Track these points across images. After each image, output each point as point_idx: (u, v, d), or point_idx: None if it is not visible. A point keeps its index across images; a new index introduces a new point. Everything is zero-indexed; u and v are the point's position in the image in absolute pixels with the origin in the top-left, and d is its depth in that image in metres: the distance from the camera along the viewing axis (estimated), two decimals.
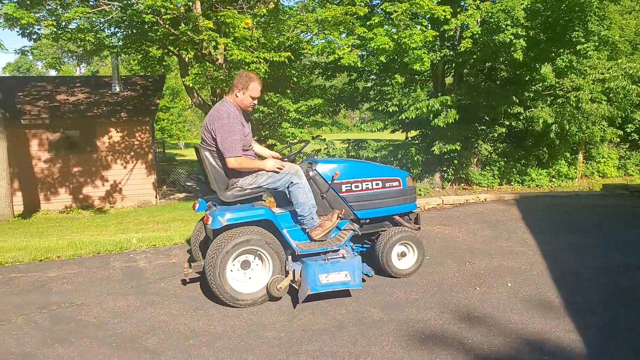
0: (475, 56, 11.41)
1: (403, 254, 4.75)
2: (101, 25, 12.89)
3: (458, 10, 10.70)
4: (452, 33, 11.40)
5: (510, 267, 5.11)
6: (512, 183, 12.62)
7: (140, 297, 4.37)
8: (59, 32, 11.77)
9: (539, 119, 11.28)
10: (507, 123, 12.79)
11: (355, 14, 10.38)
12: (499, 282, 4.65)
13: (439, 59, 11.23)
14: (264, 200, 4.71)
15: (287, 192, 4.26)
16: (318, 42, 11.73)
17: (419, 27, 10.43)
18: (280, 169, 4.19)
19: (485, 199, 9.07)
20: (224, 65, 11.64)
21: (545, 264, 5.17)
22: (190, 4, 11.17)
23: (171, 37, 12.59)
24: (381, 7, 11.08)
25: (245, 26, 10.36)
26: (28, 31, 11.88)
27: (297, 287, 4.05)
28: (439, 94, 11.73)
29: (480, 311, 3.97)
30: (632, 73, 11.14)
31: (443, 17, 9.88)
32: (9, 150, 12.47)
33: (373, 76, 13.74)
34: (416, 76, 13.16)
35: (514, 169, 12.68)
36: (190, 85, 11.67)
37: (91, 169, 15.13)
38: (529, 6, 9.80)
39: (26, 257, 5.66)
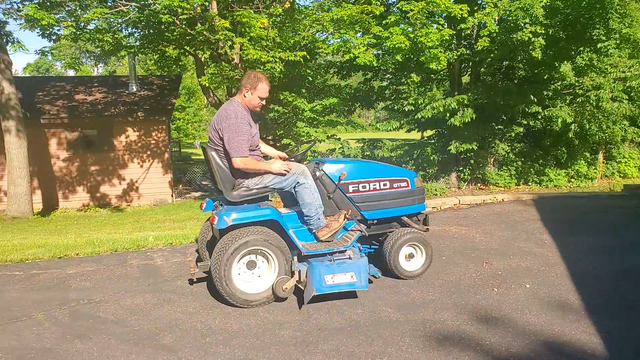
0: (492, 55, 11.28)
1: (411, 256, 4.69)
2: (119, 25, 13.04)
3: (475, 8, 10.59)
4: (469, 32, 11.29)
5: (529, 268, 5.04)
6: (530, 183, 12.45)
7: (157, 294, 4.41)
8: (78, 32, 11.95)
9: (558, 118, 11.10)
10: (525, 122, 12.61)
11: (371, 13, 10.35)
12: (517, 283, 4.58)
13: (456, 57, 11.13)
14: (270, 201, 4.69)
15: (293, 192, 4.24)
16: (333, 42, 11.72)
17: (435, 25, 10.36)
18: (288, 171, 4.17)
19: (502, 199, 8.96)
20: (239, 64, 11.69)
21: (564, 266, 5.09)
22: (207, 4, 11.24)
23: (187, 37, 12.69)
24: (397, 5, 11.02)
25: (261, 26, 10.40)
26: (48, 32, 12.06)
27: (302, 288, 4.03)
28: (456, 93, 11.63)
29: (498, 312, 3.92)
30: None
31: (460, 15, 9.80)
32: (29, 149, 12.70)
33: (388, 75, 13.68)
34: (432, 75, 13.06)
35: (531, 169, 12.51)
36: (207, 84, 11.75)
37: (108, 167, 15.32)
38: (548, 4, 9.65)
39: (46, 254, 5.76)
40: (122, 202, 15.40)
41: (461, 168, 12.30)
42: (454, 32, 10.88)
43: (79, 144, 15.10)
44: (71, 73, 45.34)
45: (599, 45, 10.02)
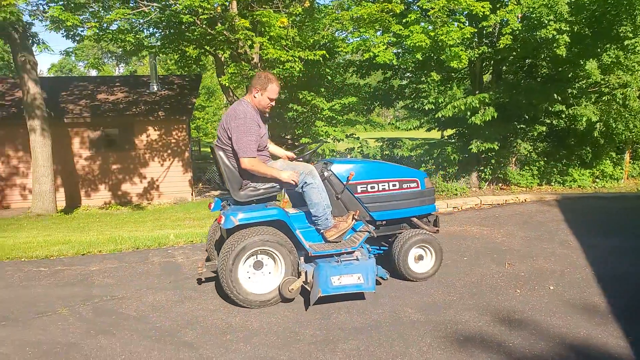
0: (514, 53, 11.08)
1: (420, 257, 4.62)
2: (140, 26, 13.22)
3: (497, 5, 10.42)
4: (490, 29, 11.11)
5: (553, 269, 4.94)
6: (553, 183, 12.21)
7: (178, 291, 4.45)
8: (101, 33, 12.14)
9: (583, 117, 10.86)
10: (548, 121, 12.37)
11: (391, 11, 10.27)
12: (540, 284, 4.50)
13: (477, 56, 10.98)
14: (278, 201, 4.66)
15: (301, 192, 4.21)
16: (353, 40, 11.68)
17: (456, 24, 10.23)
18: (296, 182, 4.12)
19: (525, 200, 8.82)
20: (259, 64, 11.74)
21: (589, 268, 4.98)
22: (227, 3, 11.31)
23: (208, 37, 12.79)
24: (418, 4, 10.91)
25: (281, 25, 10.41)
26: (72, 33, 12.29)
27: (309, 289, 4.00)
28: (477, 92, 11.48)
29: (522, 314, 3.85)
30: None
31: (482, 13, 9.66)
32: (52, 148, 12.95)
33: (408, 74, 13.57)
34: (452, 74, 12.90)
35: (554, 169, 12.27)
36: (226, 84, 11.83)
37: (129, 166, 15.54)
38: (573, 0, 9.45)
39: (70, 251, 5.87)
40: (142, 200, 15.60)
41: (482, 168, 12.14)
42: (476, 30, 10.72)
43: (101, 142, 15.35)
44: (93, 73, 46.19)
45: (625, 42, 9.76)
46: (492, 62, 12.23)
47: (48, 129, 12.79)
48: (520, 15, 10.19)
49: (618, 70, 10.63)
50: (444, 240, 6.11)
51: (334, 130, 11.87)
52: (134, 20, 12.36)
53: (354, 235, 4.35)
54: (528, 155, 12.35)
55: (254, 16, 10.77)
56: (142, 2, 11.67)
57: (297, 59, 10.60)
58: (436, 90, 11.73)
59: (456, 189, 10.97)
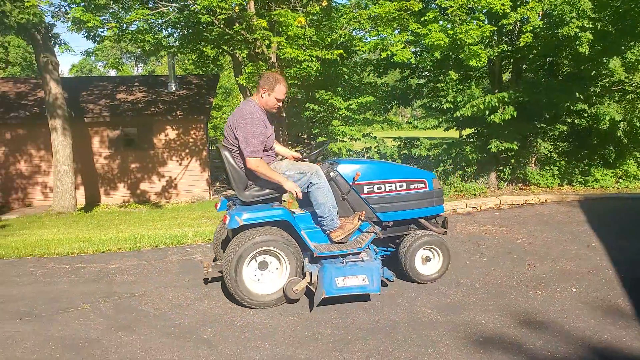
0: (535, 51, 10.91)
1: (427, 259, 4.54)
2: (159, 26, 13.37)
3: (518, 3, 10.27)
4: (510, 27, 10.97)
5: (575, 271, 4.85)
6: (574, 184, 11.99)
7: (197, 289, 4.48)
8: (121, 34, 12.30)
9: (606, 116, 10.65)
10: (569, 120, 12.16)
11: (409, 9, 10.21)
12: (562, 286, 4.41)
13: (496, 54, 10.85)
14: (284, 201, 4.64)
15: (306, 192, 4.17)
16: (370, 39, 11.64)
17: (475, 22, 10.12)
18: (299, 196, 4.09)
19: (545, 200, 8.67)
20: (276, 63, 11.77)
21: (613, 270, 4.87)
22: (245, 3, 11.35)
23: (225, 37, 12.86)
24: (436, 2, 10.81)
25: (299, 24, 10.42)
26: (93, 33, 12.47)
27: (314, 290, 3.97)
28: (496, 91, 11.34)
29: (543, 316, 3.78)
30: None
31: (502, 11, 9.52)
32: (73, 147, 13.17)
33: (426, 72, 13.47)
34: (471, 72, 12.77)
35: (576, 169, 12.04)
36: (244, 84, 11.87)
37: (148, 165, 15.72)
38: None
39: (90, 248, 5.96)
40: (161, 199, 15.78)
41: (501, 167, 11.98)
42: (495, 29, 10.59)
43: (120, 142, 15.56)
44: (112, 73, 46.86)
45: None
46: (511, 60, 12.07)
47: (69, 128, 13.01)
48: (541, 12, 10.04)
49: None
50: (463, 241, 6.05)
51: (351, 130, 11.84)
52: (152, 20, 12.50)
53: (360, 236, 4.30)
54: (548, 155, 12.16)
55: (272, 16, 10.79)
56: (161, 3, 11.79)
57: (314, 59, 10.60)
58: (454, 89, 11.62)
59: (475, 189, 10.85)
